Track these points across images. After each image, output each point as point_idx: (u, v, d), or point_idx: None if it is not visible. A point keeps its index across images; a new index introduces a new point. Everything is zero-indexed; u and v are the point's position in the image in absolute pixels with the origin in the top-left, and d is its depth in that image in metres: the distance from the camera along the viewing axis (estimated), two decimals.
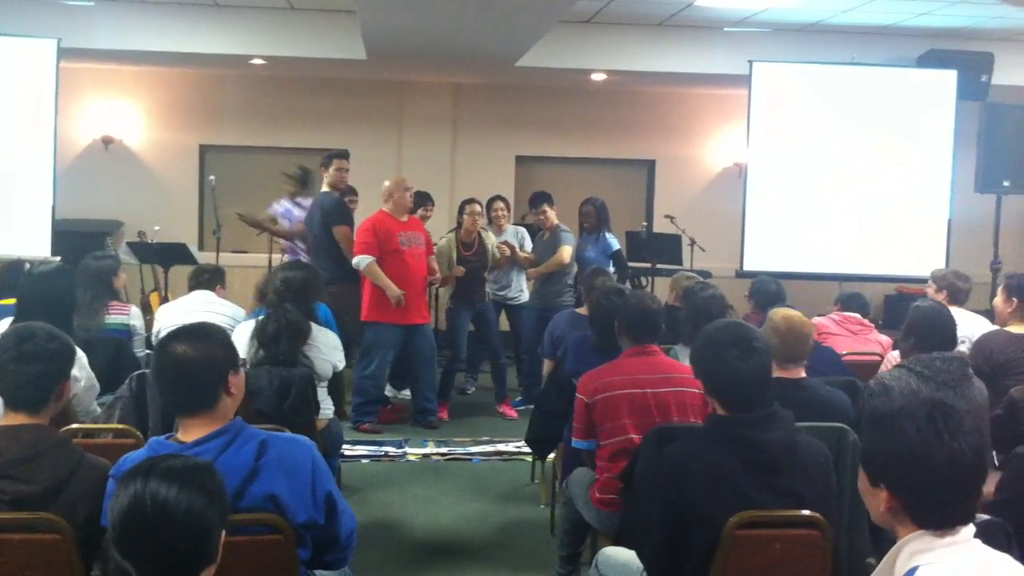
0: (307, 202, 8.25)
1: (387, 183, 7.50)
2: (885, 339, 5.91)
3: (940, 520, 2.03)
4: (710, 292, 4.97)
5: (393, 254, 7.27)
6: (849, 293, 6.45)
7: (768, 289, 5.79)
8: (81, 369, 4.12)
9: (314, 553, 2.84)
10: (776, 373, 3.82)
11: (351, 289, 7.41)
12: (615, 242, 8.32)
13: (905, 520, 2.07)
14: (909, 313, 4.39)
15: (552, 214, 8.10)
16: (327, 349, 4.90)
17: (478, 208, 8.01)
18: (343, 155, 7.82)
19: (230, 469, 2.59)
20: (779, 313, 4.16)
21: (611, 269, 8.22)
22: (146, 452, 2.66)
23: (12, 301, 5.24)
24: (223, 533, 2.10)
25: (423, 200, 8.40)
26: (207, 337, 2.76)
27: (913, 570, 2.00)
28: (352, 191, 8.36)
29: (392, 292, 7.18)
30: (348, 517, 2.89)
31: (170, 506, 1.99)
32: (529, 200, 8.36)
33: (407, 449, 7.00)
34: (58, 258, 7.59)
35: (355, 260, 7.26)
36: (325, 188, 7.75)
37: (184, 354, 2.68)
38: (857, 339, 5.83)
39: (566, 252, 7.93)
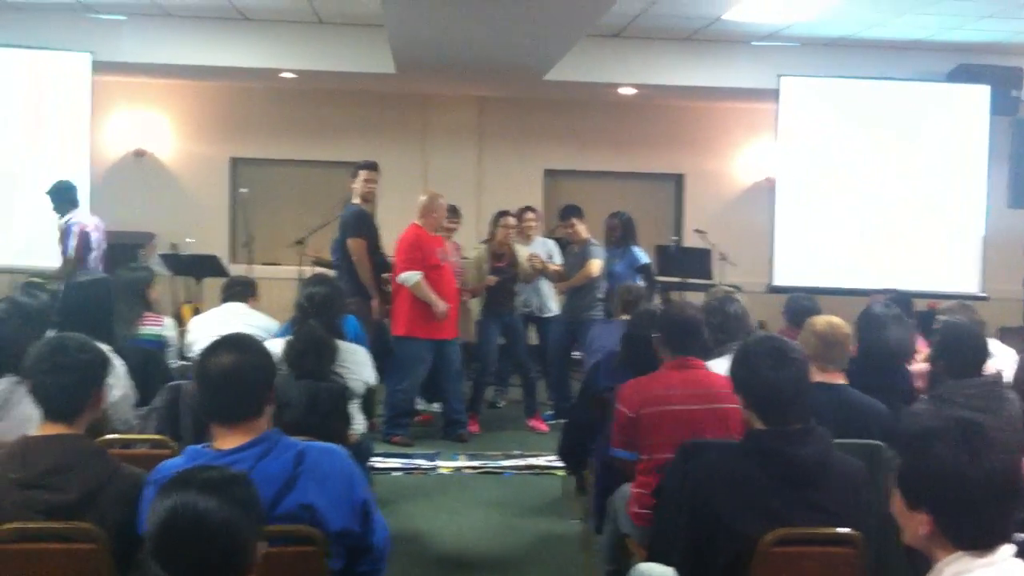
0: None
1: (424, 198, 7.51)
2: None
3: (978, 540, 2.02)
4: (736, 307, 4.95)
5: (433, 269, 7.30)
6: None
7: (802, 306, 5.76)
8: (117, 379, 4.16)
9: (348, 562, 2.85)
10: (814, 377, 3.85)
11: (367, 303, 7.39)
12: (643, 256, 8.31)
13: (943, 542, 2.06)
14: (938, 330, 4.36)
15: (582, 228, 8.09)
16: (357, 367, 4.90)
17: (512, 221, 8.02)
18: (370, 167, 7.75)
19: (267, 477, 2.61)
20: (822, 318, 4.18)
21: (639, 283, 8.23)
22: (184, 460, 2.69)
23: None
24: (258, 544, 2.11)
25: (451, 213, 8.42)
26: (253, 348, 2.80)
27: None
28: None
29: (439, 307, 7.22)
30: (381, 526, 2.90)
31: (207, 518, 2.01)
32: (560, 213, 8.36)
33: (438, 462, 7.00)
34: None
35: (402, 276, 7.26)
36: (354, 200, 7.72)
37: (232, 363, 2.71)
38: None
39: (595, 265, 7.92)
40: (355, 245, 7.46)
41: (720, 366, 4.12)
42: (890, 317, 4.97)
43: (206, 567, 2.02)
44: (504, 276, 7.93)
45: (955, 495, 2.02)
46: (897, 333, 4.75)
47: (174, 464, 2.69)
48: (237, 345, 2.78)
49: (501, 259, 7.99)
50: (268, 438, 2.71)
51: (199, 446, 2.75)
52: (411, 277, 7.23)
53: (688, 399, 4.01)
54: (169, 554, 2.02)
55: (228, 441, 2.70)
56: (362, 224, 7.55)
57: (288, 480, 2.67)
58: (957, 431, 2.06)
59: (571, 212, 8.15)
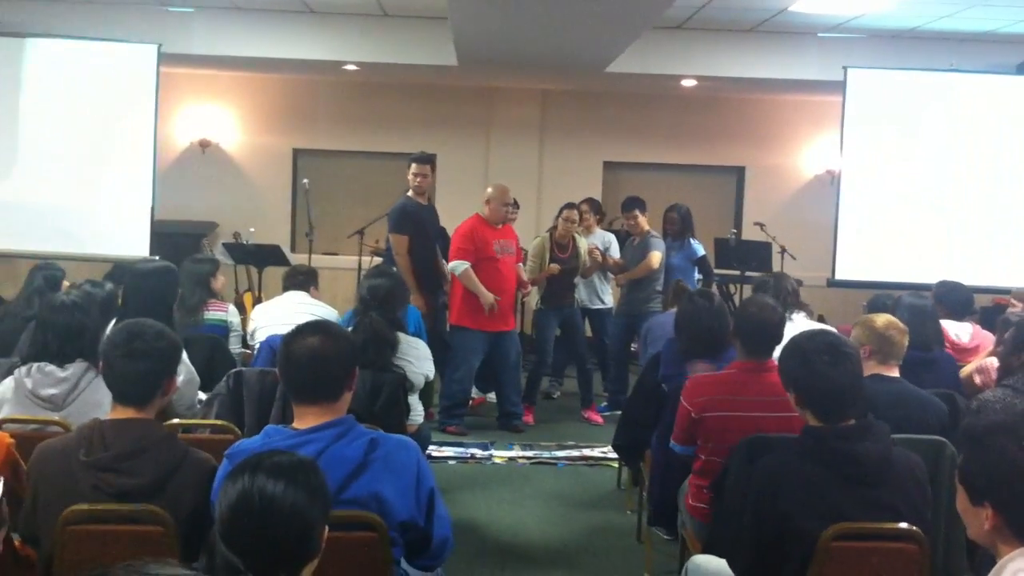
0: None
1: (490, 189, 7.53)
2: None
3: None
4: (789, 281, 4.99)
5: (488, 261, 7.32)
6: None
7: (884, 304, 5.71)
8: (182, 364, 4.23)
9: (408, 554, 2.88)
10: (873, 371, 3.84)
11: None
12: (700, 248, 8.27)
13: (1008, 537, 2.04)
14: (1015, 327, 4.30)
15: (643, 220, 8.07)
16: (418, 361, 4.94)
17: (574, 215, 8.00)
18: (420, 159, 7.63)
19: (339, 460, 2.67)
20: (879, 315, 4.22)
21: (696, 276, 8.20)
22: (261, 439, 2.75)
23: None
24: (325, 528, 2.15)
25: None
26: (338, 333, 2.91)
27: None
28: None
29: (486, 299, 7.23)
30: (444, 522, 2.92)
31: (276, 502, 2.05)
32: (622, 205, 8.33)
33: (493, 452, 7.04)
34: (157, 258, 7.80)
35: (451, 265, 7.30)
36: (408, 193, 7.67)
37: (318, 345, 2.80)
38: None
39: (655, 258, 7.89)
40: (394, 241, 7.49)
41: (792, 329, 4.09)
42: (913, 306, 4.98)
43: (274, 550, 2.06)
44: (566, 267, 7.92)
45: (1020, 490, 2.00)
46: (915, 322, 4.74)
47: (252, 442, 2.75)
48: (323, 329, 2.88)
49: (564, 250, 7.99)
50: (344, 422, 2.78)
51: (278, 426, 2.82)
52: (458, 267, 7.27)
53: (757, 407, 3.91)
54: (238, 536, 2.06)
55: (306, 421, 2.77)
56: (404, 219, 7.48)
57: (359, 465, 2.72)
58: (1022, 425, 2.04)
59: (634, 204, 8.12)
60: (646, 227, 8.07)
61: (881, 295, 5.96)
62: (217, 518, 2.12)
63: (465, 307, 7.36)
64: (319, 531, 2.12)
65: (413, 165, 7.59)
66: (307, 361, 2.79)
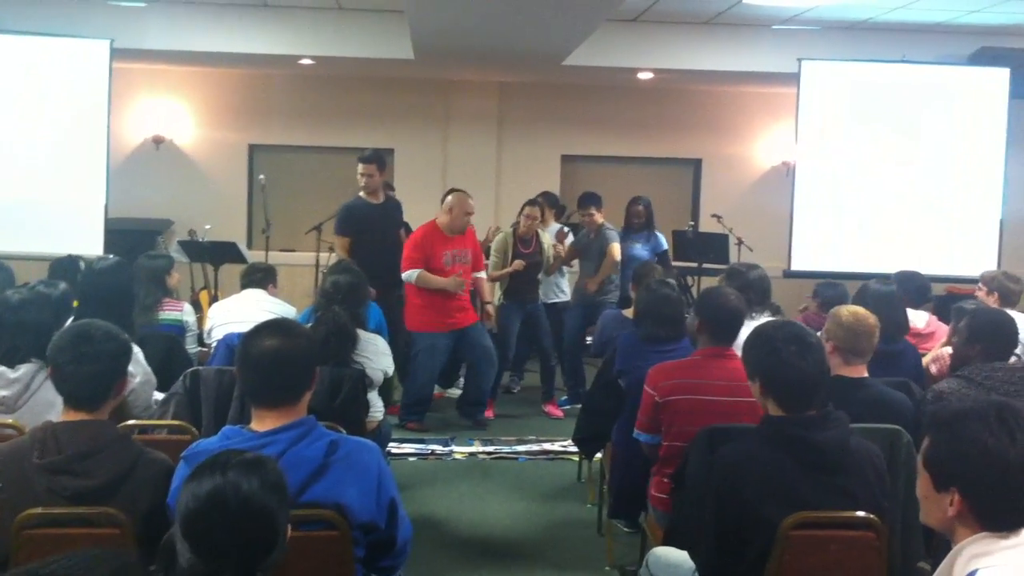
0: None
1: (451, 198, 7.44)
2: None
3: (1006, 521, 2.04)
4: (760, 271, 4.99)
5: (436, 272, 7.25)
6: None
7: (835, 292, 5.76)
8: (137, 365, 4.17)
9: (368, 556, 2.87)
10: (838, 371, 3.83)
11: None
12: (664, 242, 8.32)
13: (970, 523, 2.06)
14: (969, 316, 4.34)
15: (599, 216, 8.10)
16: (376, 357, 4.92)
17: (536, 212, 7.99)
18: (365, 159, 7.61)
19: (299, 462, 2.64)
20: (847, 308, 4.14)
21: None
22: (219, 440, 2.72)
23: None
24: (288, 527, 2.14)
25: None
26: (300, 332, 2.85)
27: (973, 573, 1.99)
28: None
29: (449, 284, 7.23)
30: (406, 525, 2.91)
31: (253, 499, 2.05)
32: (578, 201, 8.34)
33: (453, 447, 7.02)
34: (110, 255, 7.71)
35: (404, 275, 7.23)
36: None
37: (277, 347, 2.74)
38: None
39: (616, 250, 7.94)
40: (336, 242, 7.48)
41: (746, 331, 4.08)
42: (880, 294, 4.99)
43: (246, 549, 2.04)
44: (529, 263, 7.92)
45: (990, 476, 2.03)
46: (886, 309, 4.77)
47: (210, 443, 2.71)
48: (283, 329, 2.82)
49: (528, 246, 7.99)
50: (304, 423, 2.74)
51: (236, 427, 2.78)
52: (411, 275, 7.22)
53: (722, 391, 3.97)
54: (208, 538, 2.04)
55: (265, 423, 2.73)
56: (346, 221, 7.47)
57: (319, 468, 2.69)
58: (993, 412, 2.06)
59: (590, 201, 8.13)
60: (600, 221, 8.10)
61: (825, 283, 6.01)
62: (182, 518, 2.09)
63: (422, 311, 7.34)
64: (285, 529, 2.11)
65: (359, 165, 7.60)
66: (267, 363, 2.73)
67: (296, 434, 2.70)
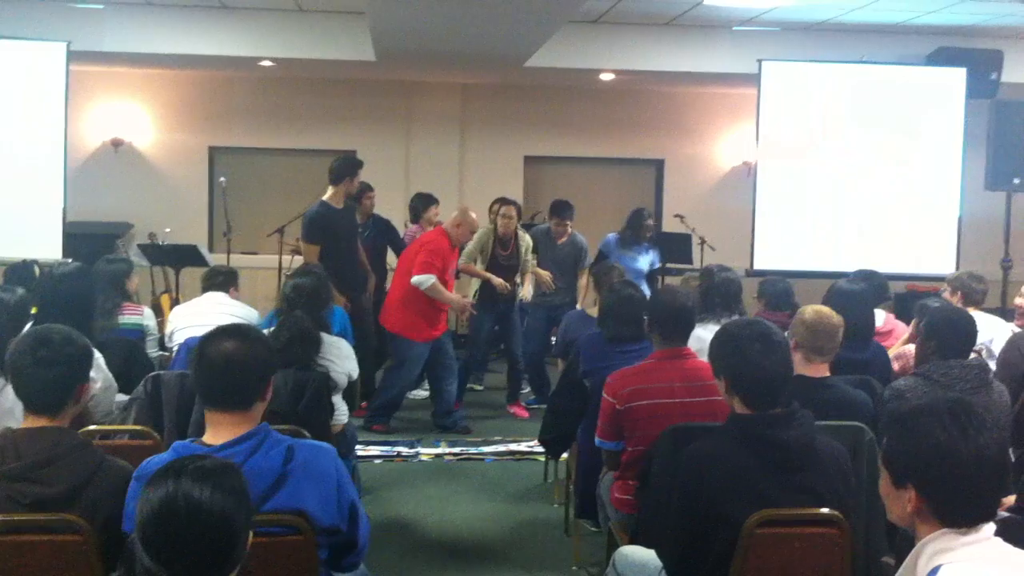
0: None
1: (462, 215, 7.45)
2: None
3: (965, 517, 2.04)
4: (729, 275, 4.99)
5: (444, 281, 7.28)
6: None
7: (778, 288, 5.79)
8: (98, 370, 4.13)
9: (331, 556, 2.86)
10: (800, 370, 3.84)
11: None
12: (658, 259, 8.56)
13: (929, 519, 2.07)
14: (928, 314, 4.38)
15: (569, 228, 8.16)
16: (340, 360, 4.88)
17: (512, 211, 7.88)
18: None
19: (258, 473, 2.61)
20: (811, 307, 4.14)
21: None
22: (170, 455, 2.67)
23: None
24: (250, 534, 2.12)
25: (428, 202, 8.44)
26: (255, 338, 2.81)
27: (935, 570, 2.00)
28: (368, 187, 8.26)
29: (460, 303, 7.45)
30: (365, 523, 2.91)
31: (204, 507, 2.01)
32: (553, 207, 8.29)
33: (420, 449, 7.01)
34: (69, 260, 7.62)
35: (418, 279, 7.14)
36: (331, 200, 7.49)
37: (233, 349, 2.71)
38: None
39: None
40: (305, 250, 7.38)
41: (706, 334, 4.09)
42: (853, 293, 5.03)
43: (201, 557, 2.01)
44: (507, 264, 7.91)
45: (944, 472, 2.04)
46: (856, 309, 4.81)
47: (161, 459, 2.66)
48: (240, 333, 2.79)
49: (507, 247, 7.95)
50: (258, 432, 2.71)
51: (187, 441, 2.75)
52: (426, 280, 7.13)
53: (679, 392, 3.98)
54: (163, 545, 2.01)
55: (220, 434, 2.70)
56: (313, 229, 7.32)
57: (278, 478, 2.67)
58: (946, 409, 2.08)
59: (567, 211, 8.16)
60: (570, 230, 8.17)
61: (773, 280, 6.05)
62: (138, 525, 2.06)
63: (416, 320, 7.28)
64: (244, 536, 2.09)
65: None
66: (221, 365, 2.70)
67: (251, 445, 2.67)
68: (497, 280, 7.71)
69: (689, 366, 4.08)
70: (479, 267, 7.89)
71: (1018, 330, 5.41)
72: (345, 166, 7.43)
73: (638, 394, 4.00)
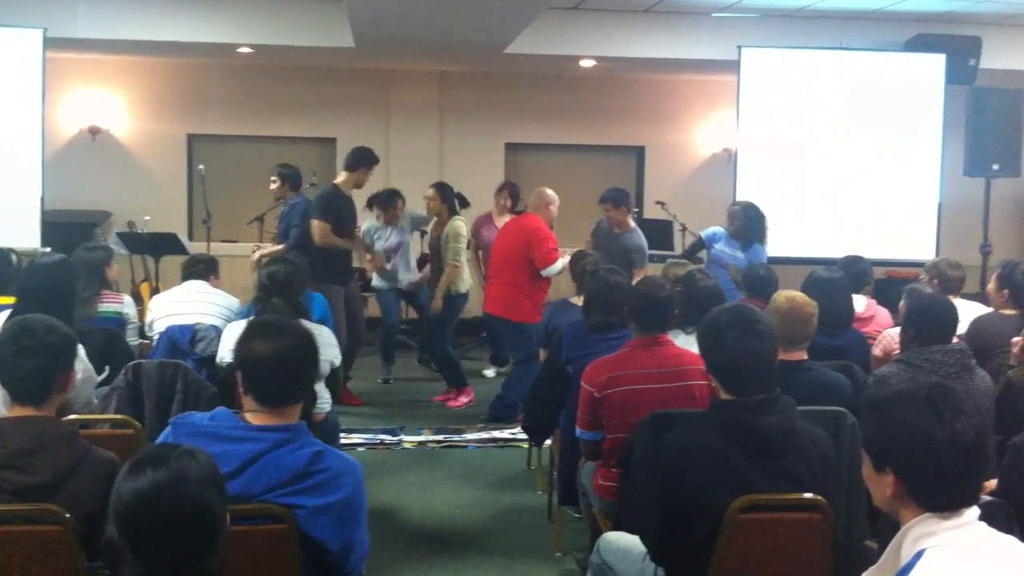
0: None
1: (536, 197, 7.66)
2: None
3: (945, 502, 2.04)
4: (710, 282, 4.95)
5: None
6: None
7: (758, 275, 5.80)
8: (79, 361, 4.10)
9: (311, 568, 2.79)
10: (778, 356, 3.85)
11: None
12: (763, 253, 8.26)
13: (910, 504, 2.08)
14: (908, 301, 4.40)
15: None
16: (322, 347, 4.83)
17: (430, 191, 8.01)
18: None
19: (278, 464, 2.62)
20: (783, 295, 4.16)
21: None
22: (211, 416, 2.71)
23: (3, 299, 5.24)
24: (227, 518, 2.13)
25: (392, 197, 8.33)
26: (295, 332, 2.80)
27: (919, 554, 2.01)
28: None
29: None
30: (362, 550, 2.82)
31: (186, 494, 2.01)
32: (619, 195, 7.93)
33: (403, 437, 7.00)
34: (48, 248, 7.57)
35: (552, 268, 7.32)
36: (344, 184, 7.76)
37: (275, 349, 2.71)
38: None
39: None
40: (317, 229, 7.42)
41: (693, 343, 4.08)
42: (829, 281, 5.05)
43: (179, 544, 2.01)
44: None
45: (921, 456, 2.04)
46: (833, 297, 4.83)
47: (202, 417, 2.70)
48: (283, 330, 2.78)
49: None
50: (295, 428, 2.69)
51: (232, 411, 2.74)
52: (553, 269, 7.36)
53: (658, 379, 4.00)
54: (144, 532, 2.00)
55: (260, 418, 2.69)
56: (328, 205, 7.52)
57: (296, 475, 2.64)
58: (924, 393, 2.08)
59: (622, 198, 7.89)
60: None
61: (755, 266, 6.08)
62: (115, 517, 2.05)
63: (536, 305, 7.39)
64: (223, 516, 2.09)
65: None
66: (266, 368, 2.69)
67: (283, 437, 2.65)
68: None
69: (665, 352, 4.11)
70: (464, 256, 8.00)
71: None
72: (363, 156, 7.71)
73: (613, 381, 4.03)
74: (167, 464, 2.03)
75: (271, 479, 2.61)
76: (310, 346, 2.81)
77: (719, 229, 7.75)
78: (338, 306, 7.08)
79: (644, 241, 7.80)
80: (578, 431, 4.22)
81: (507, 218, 8.28)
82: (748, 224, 7.52)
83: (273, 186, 7.85)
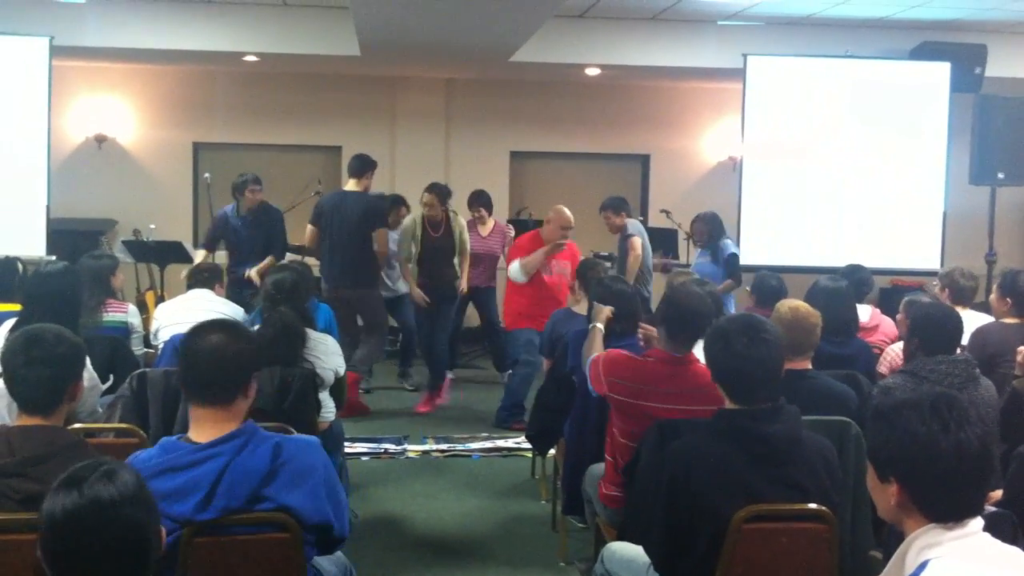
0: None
1: (549, 213, 7.78)
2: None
3: (949, 512, 2.04)
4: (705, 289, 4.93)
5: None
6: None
7: (769, 284, 5.80)
8: (85, 370, 4.11)
9: (321, 548, 2.86)
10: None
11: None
12: (732, 247, 8.48)
13: (914, 514, 2.07)
14: (911, 312, 4.40)
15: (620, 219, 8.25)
16: (327, 356, 4.85)
17: (430, 199, 7.89)
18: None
19: (246, 472, 2.62)
20: (786, 304, 4.15)
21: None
22: (158, 451, 2.68)
23: (6, 307, 5.25)
24: (162, 531, 2.11)
25: (398, 203, 8.63)
26: (240, 333, 2.84)
27: (924, 564, 2.00)
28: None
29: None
30: (345, 508, 2.90)
31: (114, 511, 1.98)
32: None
33: (407, 446, 7.00)
34: (53, 257, 7.58)
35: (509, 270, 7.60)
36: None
37: (218, 343, 2.73)
38: None
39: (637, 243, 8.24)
40: (379, 235, 7.86)
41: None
42: (834, 290, 5.04)
43: (113, 561, 1.98)
44: (443, 245, 8.06)
45: (925, 466, 2.03)
46: (837, 306, 4.83)
47: (149, 455, 2.68)
48: (224, 327, 2.82)
49: (437, 229, 8.04)
50: (245, 431, 2.71)
51: (173, 438, 2.74)
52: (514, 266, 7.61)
53: (674, 398, 3.80)
54: (71, 556, 1.97)
55: (203, 432, 2.69)
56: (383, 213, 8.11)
57: (266, 475, 2.66)
58: (928, 403, 2.08)
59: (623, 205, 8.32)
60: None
61: (765, 275, 6.07)
62: (42, 541, 2.01)
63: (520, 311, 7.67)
64: (156, 531, 2.07)
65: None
66: (204, 358, 2.72)
67: (238, 444, 2.67)
68: (416, 293, 7.89)
69: (689, 372, 3.87)
70: (415, 251, 7.97)
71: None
72: (366, 162, 8.00)
73: (618, 388, 3.93)
74: (91, 482, 2.00)
75: (246, 486, 2.62)
76: (250, 348, 2.82)
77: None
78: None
79: (639, 227, 8.37)
80: (590, 388, 4.12)
81: (491, 225, 8.67)
82: (709, 230, 8.23)
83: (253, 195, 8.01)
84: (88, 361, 4.19)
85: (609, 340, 4.65)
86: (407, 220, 8.17)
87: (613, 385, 3.98)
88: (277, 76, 10.96)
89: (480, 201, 8.67)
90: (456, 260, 8.05)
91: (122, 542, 1.98)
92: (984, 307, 5.93)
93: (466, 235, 8.11)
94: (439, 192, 7.90)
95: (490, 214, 8.71)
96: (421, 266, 7.94)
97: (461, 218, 8.17)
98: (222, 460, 2.62)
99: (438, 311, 8.01)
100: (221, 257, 8.02)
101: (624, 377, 3.95)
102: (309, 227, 7.99)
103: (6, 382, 2.93)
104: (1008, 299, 5.21)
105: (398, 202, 8.59)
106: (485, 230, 8.62)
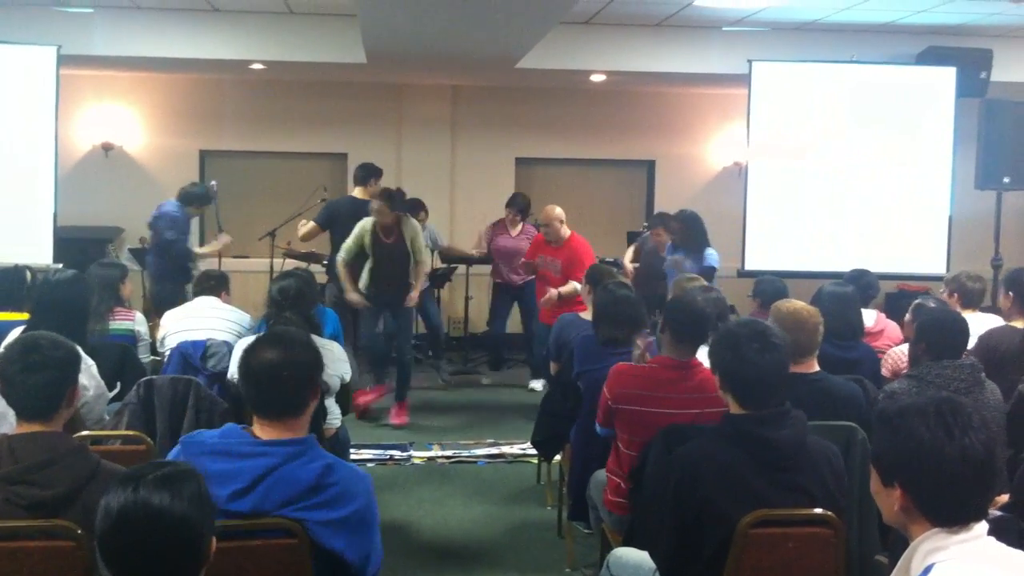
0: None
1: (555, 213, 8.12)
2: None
3: (953, 517, 2.04)
4: (713, 295, 4.94)
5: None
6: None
7: (773, 288, 5.80)
8: (91, 378, 4.12)
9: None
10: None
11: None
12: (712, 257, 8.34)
13: (919, 519, 2.08)
14: (917, 316, 4.40)
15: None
16: (333, 363, 4.85)
17: (379, 205, 7.62)
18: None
19: (289, 481, 2.63)
20: (784, 306, 4.12)
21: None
22: (219, 435, 2.73)
23: (14, 316, 5.26)
24: (213, 539, 2.12)
25: (417, 207, 8.65)
26: (298, 343, 2.82)
27: (929, 568, 2.00)
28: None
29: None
30: (378, 556, 2.85)
31: (164, 514, 2.00)
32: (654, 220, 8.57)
33: (412, 452, 7.00)
34: (60, 265, 7.61)
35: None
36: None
37: (277, 359, 2.73)
38: None
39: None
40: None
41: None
42: (840, 295, 5.04)
43: (160, 565, 2.00)
44: (395, 252, 7.89)
45: (929, 471, 2.04)
46: (843, 310, 4.83)
47: (212, 434, 2.73)
48: (281, 342, 2.80)
49: (389, 235, 7.83)
50: (304, 442, 2.72)
51: (239, 427, 2.76)
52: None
53: (677, 403, 3.88)
54: (122, 554, 2.00)
55: (267, 432, 2.72)
56: None
57: (308, 489, 2.66)
58: (933, 408, 2.08)
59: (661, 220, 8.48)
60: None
61: (768, 279, 6.07)
62: (96, 536, 2.04)
63: None
64: (207, 542, 2.08)
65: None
66: (266, 378, 2.72)
67: (293, 451, 2.68)
68: (352, 297, 7.72)
69: (694, 377, 3.95)
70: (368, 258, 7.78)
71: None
72: (371, 169, 8.42)
73: (630, 398, 3.98)
74: (149, 483, 2.03)
75: (283, 494, 2.62)
76: (309, 357, 2.81)
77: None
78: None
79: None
80: (597, 427, 4.23)
81: (520, 227, 9.36)
82: (692, 232, 8.09)
83: None
84: (95, 369, 4.22)
85: (614, 347, 4.66)
86: (358, 226, 7.79)
87: (620, 396, 4.00)
88: (283, 84, 10.98)
89: (514, 203, 9.39)
90: (411, 267, 7.79)
91: (172, 543, 2.00)
92: (991, 310, 5.93)
93: (420, 241, 7.82)
94: (389, 198, 7.74)
95: (523, 218, 9.37)
96: (373, 272, 7.75)
97: (414, 222, 7.89)
98: (272, 461, 2.64)
99: (395, 319, 7.88)
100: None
101: (629, 386, 4.00)
102: (312, 224, 8.18)
103: (3, 391, 2.93)
104: (1011, 293, 5.22)
105: (417, 207, 8.59)
106: (515, 231, 9.34)
